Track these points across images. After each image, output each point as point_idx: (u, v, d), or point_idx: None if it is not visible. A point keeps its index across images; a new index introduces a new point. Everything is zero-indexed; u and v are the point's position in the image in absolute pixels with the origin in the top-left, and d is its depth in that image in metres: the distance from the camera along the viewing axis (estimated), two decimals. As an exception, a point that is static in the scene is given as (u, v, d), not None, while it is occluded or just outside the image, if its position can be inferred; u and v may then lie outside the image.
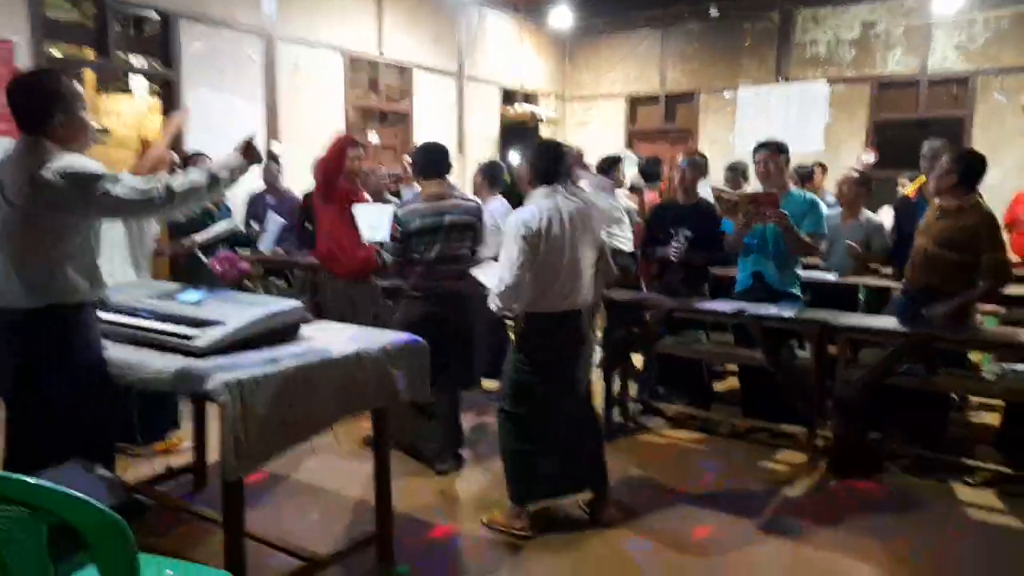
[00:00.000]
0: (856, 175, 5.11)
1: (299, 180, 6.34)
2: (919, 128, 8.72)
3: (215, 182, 2.36)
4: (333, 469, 3.65)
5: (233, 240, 5.02)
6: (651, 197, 5.88)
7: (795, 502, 3.41)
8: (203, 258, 4.49)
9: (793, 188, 4.22)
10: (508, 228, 2.94)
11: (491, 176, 4.95)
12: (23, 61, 4.94)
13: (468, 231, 3.66)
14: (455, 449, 3.79)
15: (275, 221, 5.55)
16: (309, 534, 3.00)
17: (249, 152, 2.45)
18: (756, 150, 4.07)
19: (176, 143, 5.75)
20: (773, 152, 4.00)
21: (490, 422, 4.47)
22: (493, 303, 2.96)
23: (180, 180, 2.29)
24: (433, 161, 3.68)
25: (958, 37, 8.24)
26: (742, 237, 3.98)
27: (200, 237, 4.48)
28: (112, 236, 3.69)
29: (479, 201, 3.93)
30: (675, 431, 4.30)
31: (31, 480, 1.38)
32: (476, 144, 9.14)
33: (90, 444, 2.32)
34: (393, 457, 2.90)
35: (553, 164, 3.03)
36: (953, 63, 8.31)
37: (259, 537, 2.71)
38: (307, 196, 6.10)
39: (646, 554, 2.94)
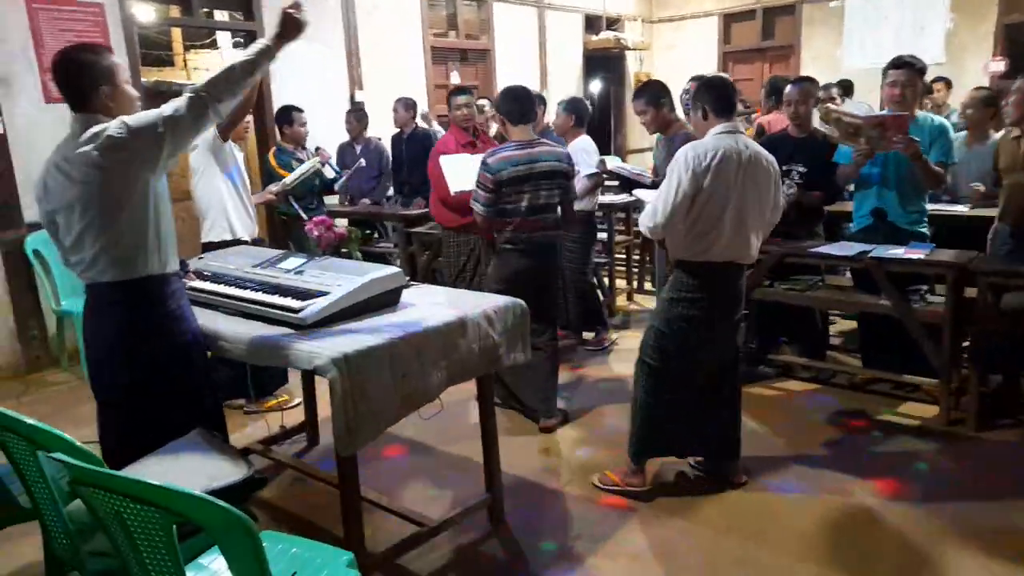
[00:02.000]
0: (981, 94, 4.58)
1: (384, 126, 6.27)
2: (1059, 29, 7.77)
3: (252, 61, 2.26)
4: (439, 428, 3.65)
5: (323, 185, 5.02)
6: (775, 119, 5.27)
7: (928, 457, 3.18)
8: (300, 212, 4.52)
9: (919, 111, 3.79)
10: (676, 159, 2.70)
11: (577, 112, 4.69)
12: (113, 24, 4.98)
13: (559, 177, 3.50)
14: (554, 403, 3.71)
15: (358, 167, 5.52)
16: (420, 496, 3.03)
17: (289, 26, 2.34)
18: (891, 68, 3.59)
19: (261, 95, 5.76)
20: (915, 73, 3.55)
21: (588, 375, 4.39)
22: (643, 226, 2.83)
23: (213, 75, 2.24)
24: (520, 108, 3.50)
25: (1111, -82, 7.16)
26: (860, 167, 3.59)
27: (289, 179, 4.49)
28: (223, 190, 3.77)
29: (566, 148, 3.73)
30: (787, 382, 4.08)
31: (159, 484, 1.38)
32: (559, 77, 8.77)
33: (196, 413, 2.35)
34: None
35: (728, 99, 2.79)
36: (1103, -50, 7.26)
37: (373, 500, 2.74)
38: (395, 141, 6.05)
39: (768, 518, 2.80)
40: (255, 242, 3.90)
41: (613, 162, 5.16)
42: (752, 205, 2.71)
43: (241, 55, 2.30)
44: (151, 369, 2.26)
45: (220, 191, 3.75)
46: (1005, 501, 2.82)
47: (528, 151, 3.44)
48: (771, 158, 2.80)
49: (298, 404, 3.83)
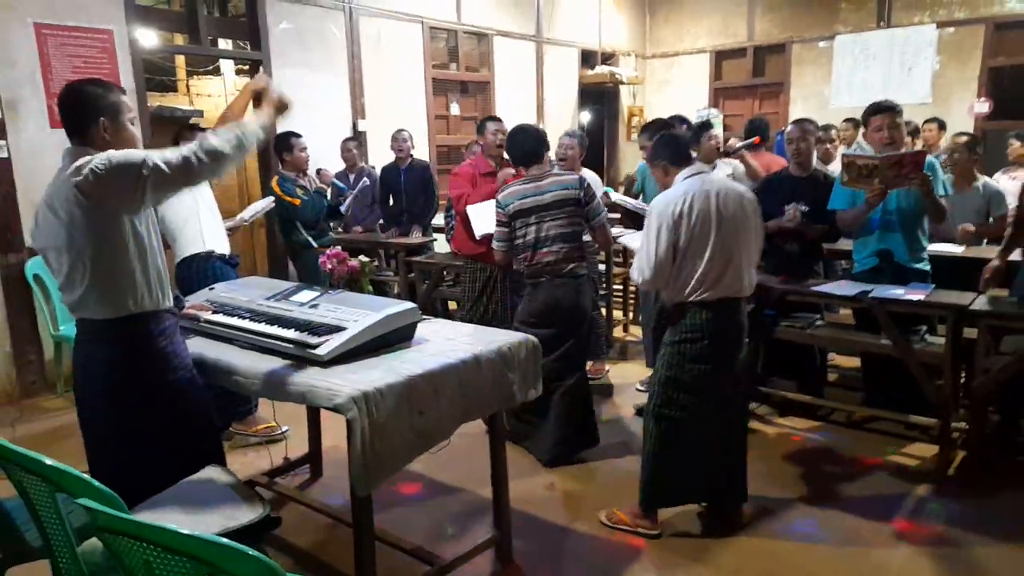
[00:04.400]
0: (965, 139, 4.68)
1: (384, 155, 6.33)
2: (1042, 74, 8.00)
3: (244, 139, 2.24)
4: (447, 462, 3.64)
5: (329, 215, 5.04)
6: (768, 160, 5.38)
7: (930, 499, 3.21)
8: (310, 240, 4.54)
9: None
10: (649, 214, 2.80)
11: (583, 146, 4.75)
12: (121, 50, 5.01)
13: (568, 206, 3.50)
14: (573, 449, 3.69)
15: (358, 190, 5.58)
16: (428, 533, 3.01)
17: (281, 107, 2.39)
18: (872, 114, 3.69)
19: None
20: (895, 115, 3.63)
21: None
22: (636, 282, 2.91)
23: (212, 140, 2.18)
24: (530, 151, 3.56)
25: (1091, -31, 7.43)
26: (874, 207, 3.57)
27: (246, 215, 4.45)
28: (198, 203, 3.75)
29: (578, 175, 3.74)
30: (786, 419, 4.11)
31: (190, 533, 1.37)
32: (555, 109, 8.90)
33: (193, 452, 2.33)
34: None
35: (682, 148, 2.89)
36: (1083, -1, 7.52)
37: (380, 537, 2.72)
38: (391, 171, 6.08)
39: (776, 560, 2.81)
40: (231, 259, 3.88)
41: (616, 195, 5.23)
42: (736, 238, 2.77)
43: (251, 128, 2.28)
44: (140, 407, 2.24)
45: (194, 206, 3.74)
46: (1006, 546, 2.85)
47: (536, 184, 3.50)
48: (744, 189, 2.88)
49: (287, 431, 3.85)
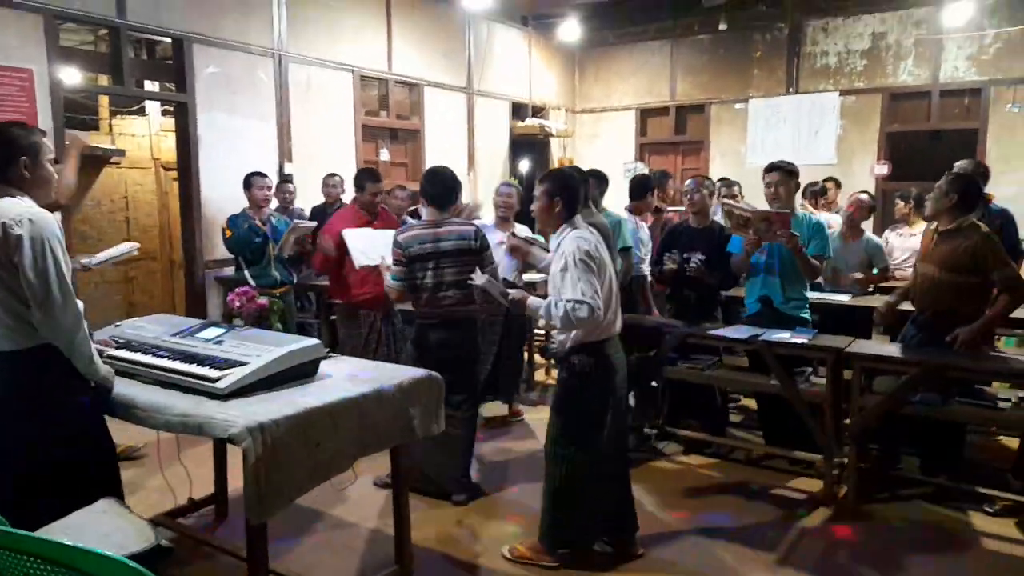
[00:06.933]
0: (870, 203, 5.13)
1: (312, 198, 6.41)
2: (932, 139, 8.71)
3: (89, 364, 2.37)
4: (350, 500, 3.67)
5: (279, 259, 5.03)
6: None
7: (812, 532, 3.41)
8: (250, 279, 4.58)
9: (799, 211, 4.22)
10: (570, 259, 2.81)
11: (521, 197, 4.88)
12: (41, 89, 5.00)
13: (465, 255, 3.61)
14: (468, 478, 3.79)
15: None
16: (330, 568, 3.03)
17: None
18: (767, 171, 4.03)
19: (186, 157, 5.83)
20: (785, 175, 3.98)
21: (504, 447, 4.50)
22: (584, 324, 2.81)
23: (82, 349, 2.33)
24: (442, 192, 3.68)
25: (969, 48, 8.20)
26: (750, 256, 3.93)
27: (93, 260, 4.31)
28: None
29: (478, 225, 3.83)
30: (689, 457, 4.30)
31: (72, 544, 1.41)
32: (486, 159, 9.16)
33: (93, 480, 2.37)
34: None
35: (582, 192, 3.09)
36: (965, 74, 8.28)
37: (284, 574, 2.74)
38: (316, 211, 6.15)
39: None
40: None
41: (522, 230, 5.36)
42: (614, 279, 3.00)
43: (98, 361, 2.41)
44: (46, 435, 2.29)
45: None
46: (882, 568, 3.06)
47: (434, 231, 3.63)
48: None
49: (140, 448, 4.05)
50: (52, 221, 2.33)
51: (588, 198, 4.15)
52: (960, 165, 4.53)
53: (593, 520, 3.07)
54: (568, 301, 2.77)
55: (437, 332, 3.65)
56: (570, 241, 2.88)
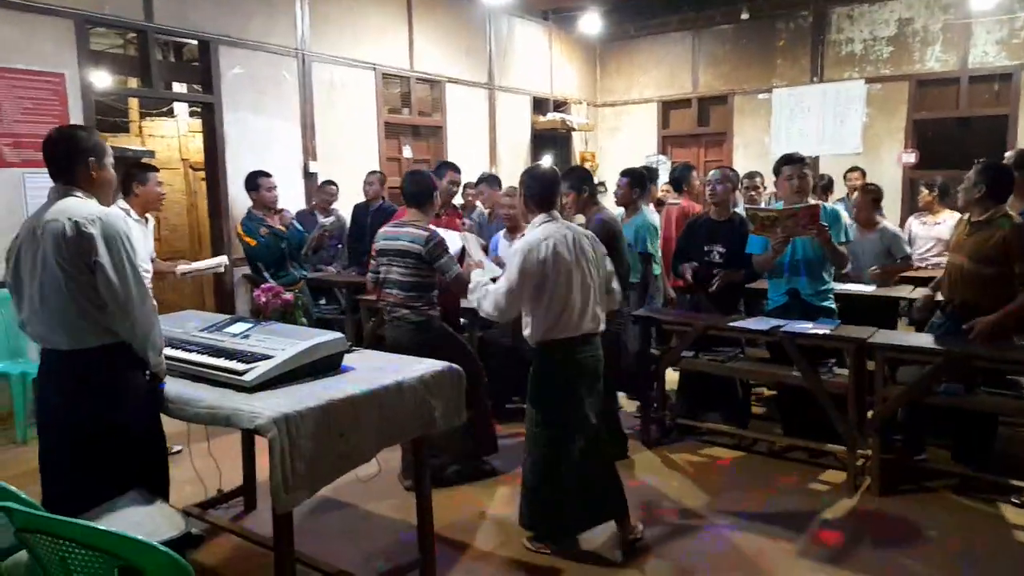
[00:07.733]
0: (869, 194, 5.02)
1: (342, 196, 6.49)
2: (960, 126, 8.55)
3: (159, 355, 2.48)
4: (374, 490, 3.73)
5: (291, 252, 5.06)
6: (685, 205, 5.68)
7: (835, 524, 3.40)
8: (270, 280, 4.64)
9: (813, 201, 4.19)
10: (512, 253, 3.00)
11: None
12: (73, 93, 5.13)
13: (410, 257, 3.62)
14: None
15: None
16: (354, 557, 3.09)
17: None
18: (782, 165, 4.02)
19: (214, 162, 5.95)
20: (801, 165, 3.96)
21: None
22: (486, 312, 3.05)
23: (157, 343, 2.45)
24: (416, 193, 3.73)
25: (999, 32, 8.04)
26: (780, 254, 3.91)
27: (183, 268, 4.54)
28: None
29: (431, 232, 3.69)
30: (711, 449, 4.30)
31: (105, 528, 1.49)
32: (508, 154, 9.19)
33: (144, 473, 2.45)
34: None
35: (551, 191, 3.10)
36: (995, 59, 8.11)
37: (306, 562, 2.81)
38: (358, 209, 6.21)
39: (684, 576, 2.96)
40: None
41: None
42: (590, 279, 3.01)
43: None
44: (110, 428, 2.37)
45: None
46: (879, 568, 3.05)
47: (396, 230, 3.72)
48: (589, 234, 3.12)
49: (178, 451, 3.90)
50: (121, 218, 2.41)
51: (588, 195, 4.05)
52: (1008, 156, 4.45)
53: (577, 513, 3.09)
54: (485, 287, 3.05)
55: (388, 329, 3.79)
56: (526, 241, 2.98)
